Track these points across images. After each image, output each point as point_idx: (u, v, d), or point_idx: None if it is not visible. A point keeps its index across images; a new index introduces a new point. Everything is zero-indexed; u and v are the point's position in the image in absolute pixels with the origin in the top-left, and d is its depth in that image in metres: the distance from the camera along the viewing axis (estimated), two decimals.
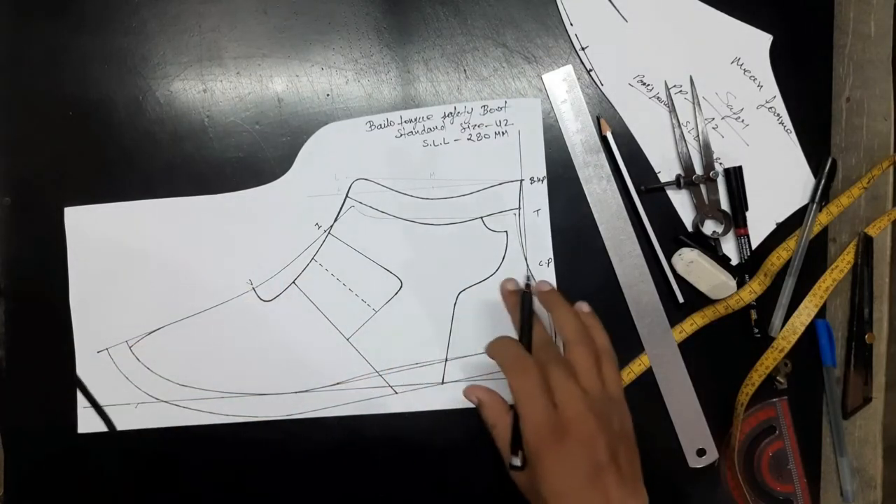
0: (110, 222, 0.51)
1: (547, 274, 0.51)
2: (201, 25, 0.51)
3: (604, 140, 0.51)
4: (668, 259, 0.51)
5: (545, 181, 0.51)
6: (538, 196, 0.51)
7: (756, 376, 0.51)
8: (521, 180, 0.51)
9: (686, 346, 0.51)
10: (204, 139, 0.51)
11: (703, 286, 0.50)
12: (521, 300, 0.45)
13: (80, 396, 0.51)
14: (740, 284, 0.51)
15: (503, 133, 0.51)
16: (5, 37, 0.51)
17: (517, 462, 0.41)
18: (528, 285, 0.46)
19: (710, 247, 0.51)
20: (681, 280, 0.51)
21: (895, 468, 0.54)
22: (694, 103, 0.51)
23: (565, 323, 0.44)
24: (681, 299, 0.51)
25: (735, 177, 0.51)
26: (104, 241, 0.51)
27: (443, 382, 0.51)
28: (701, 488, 0.52)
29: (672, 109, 0.51)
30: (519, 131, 0.51)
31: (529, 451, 0.40)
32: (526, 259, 0.51)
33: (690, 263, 0.50)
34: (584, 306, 0.46)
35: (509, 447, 0.41)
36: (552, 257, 0.51)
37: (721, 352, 0.52)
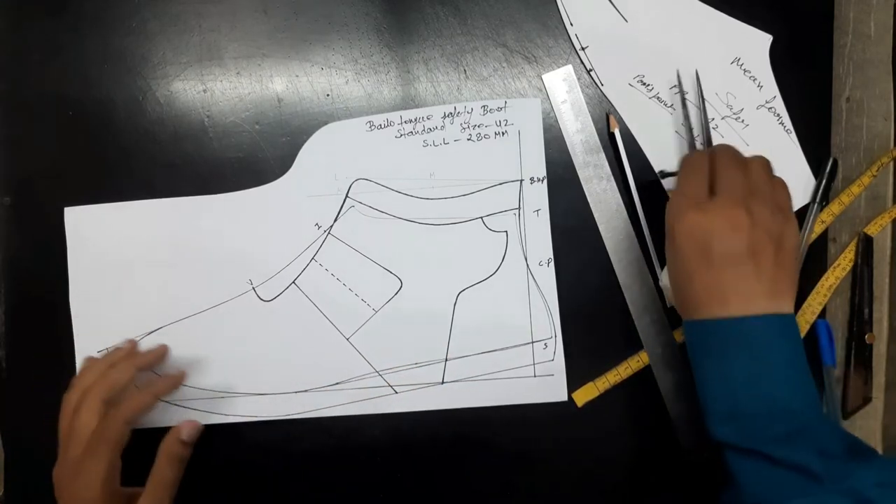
0: (110, 222, 0.51)
1: (547, 274, 0.51)
2: (201, 25, 0.51)
3: (611, 137, 0.51)
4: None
5: (545, 181, 0.51)
6: (538, 196, 0.51)
7: None
8: (521, 180, 0.51)
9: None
10: (204, 139, 0.51)
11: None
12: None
13: None
14: None
15: (503, 133, 0.51)
16: (5, 37, 0.51)
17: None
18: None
19: None
20: None
21: None
22: (700, 105, 0.51)
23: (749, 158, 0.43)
24: None
25: None
26: (104, 241, 0.51)
27: (443, 382, 0.51)
28: (701, 488, 0.52)
29: (680, 109, 0.51)
30: (519, 131, 0.51)
31: (667, 221, 0.41)
32: (526, 259, 0.51)
33: (665, 286, 0.49)
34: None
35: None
36: (552, 257, 0.51)
37: None
